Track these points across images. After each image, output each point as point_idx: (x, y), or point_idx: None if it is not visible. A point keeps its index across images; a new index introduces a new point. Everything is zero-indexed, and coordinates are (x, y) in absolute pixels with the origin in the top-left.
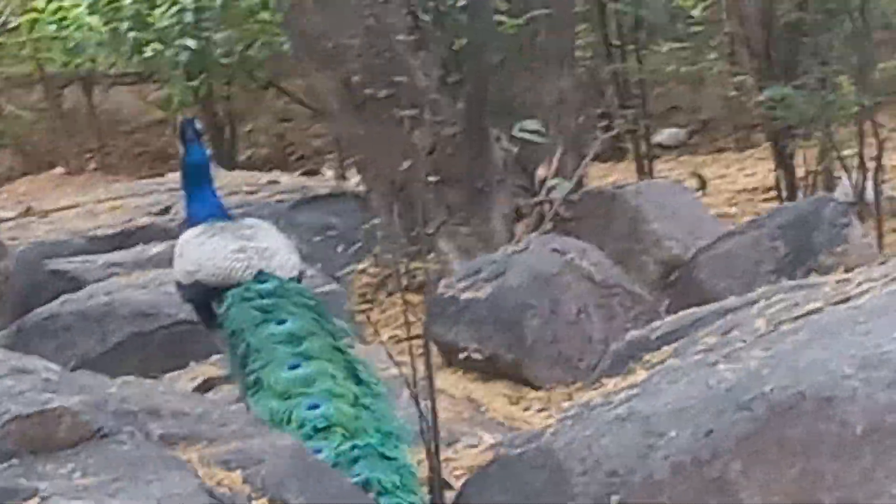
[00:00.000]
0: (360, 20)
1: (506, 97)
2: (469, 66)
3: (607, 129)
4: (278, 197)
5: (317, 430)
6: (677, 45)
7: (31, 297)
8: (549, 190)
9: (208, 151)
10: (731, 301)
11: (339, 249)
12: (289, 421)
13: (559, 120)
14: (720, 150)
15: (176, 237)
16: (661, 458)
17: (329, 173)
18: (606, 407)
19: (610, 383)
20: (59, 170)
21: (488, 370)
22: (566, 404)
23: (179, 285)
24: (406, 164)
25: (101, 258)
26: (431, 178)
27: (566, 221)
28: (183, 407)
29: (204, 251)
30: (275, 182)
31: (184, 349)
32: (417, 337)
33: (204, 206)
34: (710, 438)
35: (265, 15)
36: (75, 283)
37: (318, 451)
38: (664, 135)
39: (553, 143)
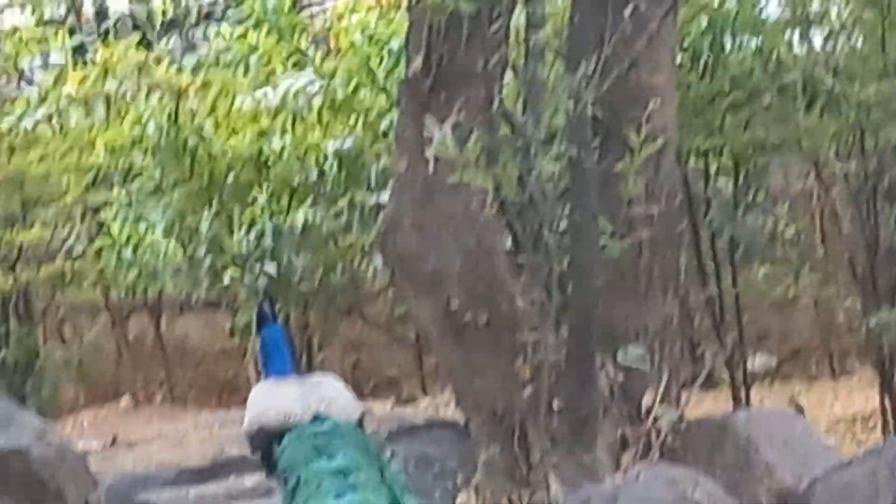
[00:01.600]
0: (459, 243)
1: (609, 322)
2: (572, 291)
3: (700, 356)
4: (373, 426)
5: None
6: (772, 269)
7: None
8: (656, 418)
9: (285, 329)
10: None
11: (444, 484)
12: None
13: (663, 346)
14: (813, 378)
15: None
16: None
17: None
18: None
19: None
20: (124, 400)
21: None
22: None
23: (247, 436)
24: (508, 394)
25: (193, 490)
26: (535, 408)
27: (674, 450)
28: None
29: (270, 399)
30: (369, 413)
31: None
32: None
33: (279, 369)
34: None
35: (346, 239)
36: None
37: None
38: (754, 362)
39: (658, 370)
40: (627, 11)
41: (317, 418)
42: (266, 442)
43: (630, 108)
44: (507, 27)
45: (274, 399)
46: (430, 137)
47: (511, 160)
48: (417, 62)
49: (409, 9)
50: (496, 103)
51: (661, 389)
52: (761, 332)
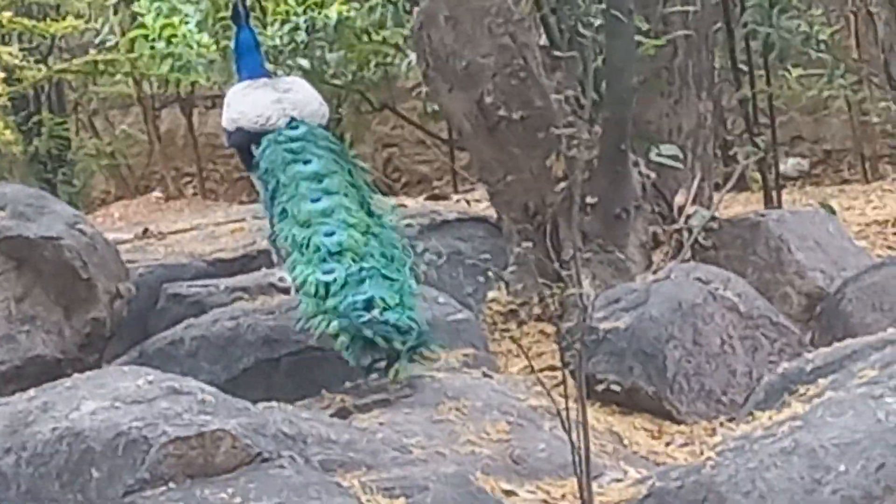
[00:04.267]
0: (493, 39)
1: (643, 121)
2: (606, 88)
3: (732, 157)
4: (406, 221)
5: (330, 253)
6: (806, 72)
7: (150, 321)
8: (688, 217)
9: (256, 30)
10: (892, 333)
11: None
12: (307, 245)
13: (697, 146)
14: (845, 182)
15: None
16: (830, 493)
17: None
18: (770, 440)
19: (764, 416)
20: (155, 194)
21: (628, 403)
22: (717, 437)
23: (226, 132)
24: (540, 190)
25: (224, 282)
26: (567, 204)
27: (705, 250)
28: (329, 433)
29: (247, 102)
30: (401, 206)
31: (312, 377)
32: (552, 368)
33: (252, 70)
34: (881, 473)
35: (380, 35)
36: (198, 307)
37: (331, 271)
38: (787, 165)
39: (691, 170)
40: None
41: (291, 122)
42: (244, 141)
43: None
44: None
45: (251, 102)
46: None
47: None
48: None
49: None
50: None
51: (694, 189)
52: (794, 135)
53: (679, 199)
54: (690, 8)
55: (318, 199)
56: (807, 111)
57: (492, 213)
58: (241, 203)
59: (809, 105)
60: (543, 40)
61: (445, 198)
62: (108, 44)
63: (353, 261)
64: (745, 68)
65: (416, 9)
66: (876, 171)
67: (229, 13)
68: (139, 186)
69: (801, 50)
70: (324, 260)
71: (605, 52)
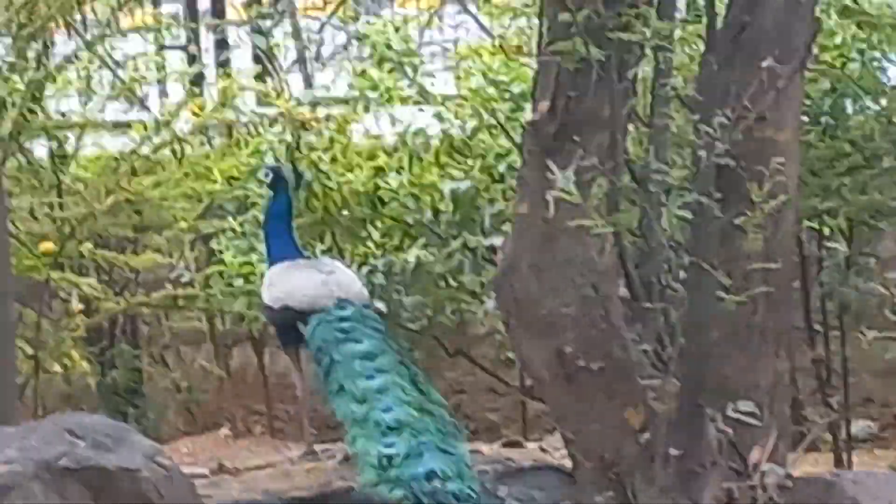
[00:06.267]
0: (576, 289)
1: (721, 376)
2: (686, 342)
3: (802, 416)
4: (481, 467)
5: (390, 428)
6: (882, 334)
7: None
8: (763, 475)
9: (294, 201)
10: None
11: None
12: (366, 420)
13: (773, 403)
14: None
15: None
16: None
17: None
18: None
19: None
20: (223, 431)
21: None
22: None
23: (269, 309)
24: (618, 441)
25: None
26: (644, 457)
27: None
28: None
29: (293, 282)
30: (477, 452)
31: None
32: None
33: (285, 246)
34: None
35: (457, 281)
36: None
37: (392, 445)
38: (856, 427)
39: (766, 427)
40: (758, 66)
41: (339, 303)
42: (289, 318)
43: (754, 162)
44: (635, 75)
45: (298, 282)
46: (552, 181)
47: (633, 208)
48: (544, 106)
49: (538, 53)
50: (620, 151)
51: (770, 446)
52: (864, 397)
53: (754, 456)
54: (773, 265)
55: (372, 377)
56: (878, 373)
57: (566, 462)
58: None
59: (881, 367)
60: (623, 291)
61: (521, 445)
62: (183, 279)
63: (412, 435)
64: (819, 328)
65: (499, 255)
66: None
67: (267, 179)
68: (207, 422)
69: (877, 312)
70: (384, 434)
71: (686, 305)
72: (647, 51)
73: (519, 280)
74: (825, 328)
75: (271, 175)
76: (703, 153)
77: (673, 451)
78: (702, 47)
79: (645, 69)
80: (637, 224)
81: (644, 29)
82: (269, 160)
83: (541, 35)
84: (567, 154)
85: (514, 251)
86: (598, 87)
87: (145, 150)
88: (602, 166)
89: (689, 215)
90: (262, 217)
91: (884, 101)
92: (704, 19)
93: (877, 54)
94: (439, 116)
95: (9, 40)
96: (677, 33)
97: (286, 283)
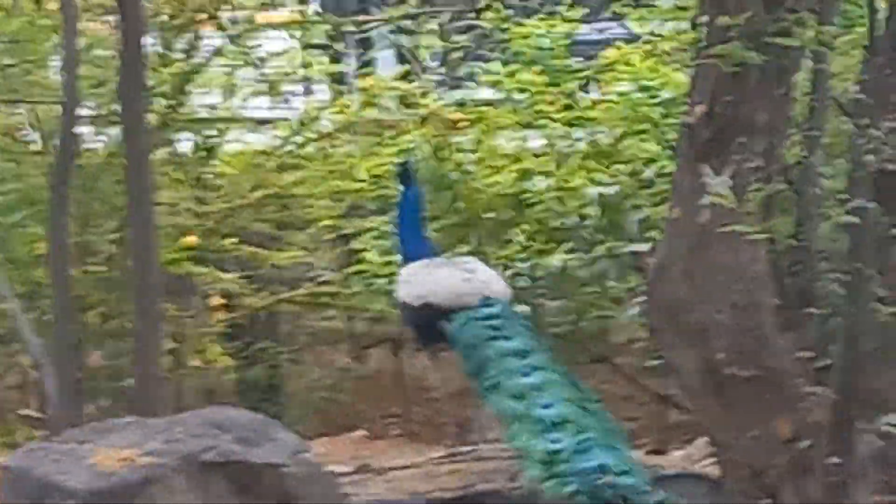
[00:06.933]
0: (727, 295)
1: (871, 389)
2: (839, 352)
3: None
4: None
5: (554, 424)
6: None
7: None
8: None
9: (423, 192)
10: None
11: None
12: (527, 417)
13: None
14: None
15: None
16: None
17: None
18: None
19: None
20: (359, 433)
21: None
22: None
23: (407, 307)
24: (767, 451)
25: None
26: (794, 468)
27: None
28: None
29: (435, 279)
30: None
31: None
32: None
33: (419, 244)
34: None
35: (601, 287)
36: None
37: (558, 440)
38: None
39: None
40: None
41: (486, 301)
42: (430, 317)
43: None
44: (794, 81)
45: (441, 279)
46: (707, 185)
47: (788, 214)
48: (700, 110)
49: (696, 57)
50: (777, 156)
51: None
52: None
53: None
54: None
55: (527, 374)
56: None
57: (710, 470)
58: (447, 447)
59: None
60: (778, 300)
61: (663, 452)
62: (322, 278)
63: (577, 431)
64: None
65: (650, 261)
66: None
67: (397, 172)
68: (343, 423)
69: None
70: (547, 430)
71: (839, 315)
72: (807, 56)
73: (670, 286)
74: None
75: (400, 169)
76: (869, 158)
77: (833, 460)
78: (859, 54)
79: (803, 75)
80: (792, 231)
81: (804, 33)
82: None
83: (697, 39)
84: (723, 159)
85: (666, 256)
86: (756, 92)
87: (290, 147)
88: (759, 172)
89: (850, 222)
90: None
91: None
92: (867, 24)
93: None
94: (586, 120)
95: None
96: (839, 39)
97: (427, 281)
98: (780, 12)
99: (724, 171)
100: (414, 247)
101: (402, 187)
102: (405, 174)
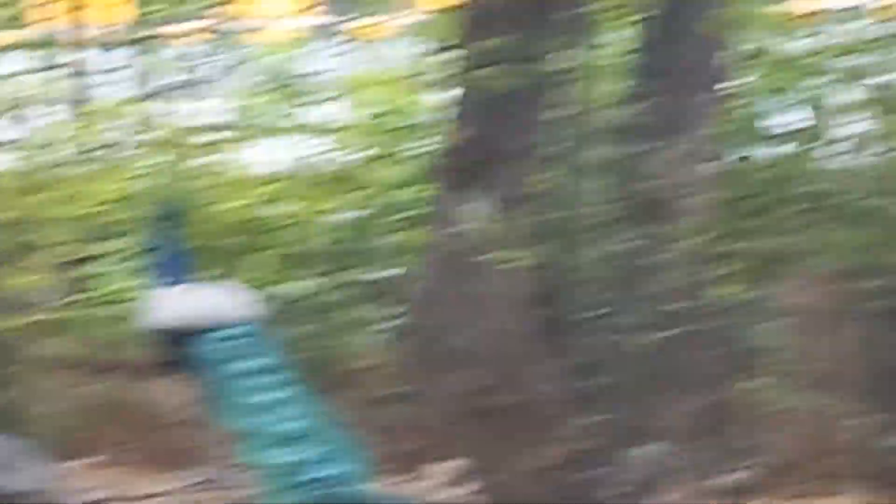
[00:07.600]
0: (489, 322)
1: (634, 416)
2: (601, 380)
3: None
4: None
5: (291, 438)
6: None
7: None
8: None
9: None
10: None
11: None
12: (260, 433)
13: (687, 444)
14: (801, 496)
15: None
16: None
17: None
18: None
19: None
20: (100, 458)
21: None
22: None
23: (153, 331)
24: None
25: None
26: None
27: None
28: None
29: (183, 303)
30: None
31: None
32: None
33: (170, 270)
34: None
35: (348, 313)
36: None
37: (294, 453)
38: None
39: (683, 469)
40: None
41: (227, 322)
42: (174, 341)
43: (672, 199)
44: (553, 108)
45: (187, 302)
46: (467, 212)
47: (551, 243)
48: (458, 137)
49: (453, 83)
50: (540, 183)
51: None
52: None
53: (674, 497)
54: (686, 305)
55: (263, 392)
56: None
57: (453, 498)
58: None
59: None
60: (539, 327)
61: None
62: (57, 302)
63: (315, 445)
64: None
65: (406, 285)
66: (832, 488)
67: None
68: (82, 449)
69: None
70: (284, 444)
71: (601, 343)
72: (572, 82)
73: (427, 311)
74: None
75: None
76: (639, 186)
77: (598, 487)
78: (625, 81)
79: (569, 101)
80: (558, 258)
81: (567, 60)
82: (147, 185)
83: (453, 64)
84: (483, 184)
85: (426, 284)
86: (517, 118)
87: (28, 168)
88: (520, 198)
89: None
90: (144, 241)
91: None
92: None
93: None
94: (328, 146)
95: None
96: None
97: (174, 304)
98: (543, 38)
99: (483, 197)
100: (164, 273)
101: (163, 223)
102: (167, 212)
